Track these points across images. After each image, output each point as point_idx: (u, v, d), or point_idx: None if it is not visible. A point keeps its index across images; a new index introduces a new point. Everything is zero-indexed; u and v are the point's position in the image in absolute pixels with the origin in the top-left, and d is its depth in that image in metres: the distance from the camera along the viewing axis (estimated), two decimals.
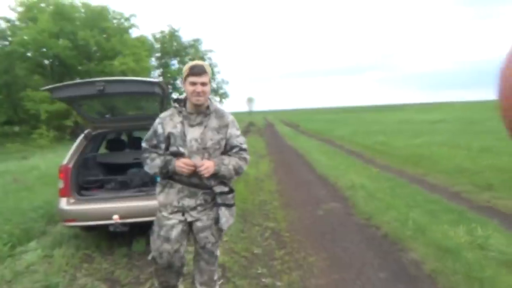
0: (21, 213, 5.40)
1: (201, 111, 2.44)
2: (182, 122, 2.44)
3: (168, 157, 2.40)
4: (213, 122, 2.46)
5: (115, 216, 4.11)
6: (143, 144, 2.56)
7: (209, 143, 2.40)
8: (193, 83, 2.35)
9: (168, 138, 2.43)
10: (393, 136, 14.98)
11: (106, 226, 4.25)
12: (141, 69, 28.50)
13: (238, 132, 2.53)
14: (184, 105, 2.49)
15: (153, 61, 42.55)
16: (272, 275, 3.60)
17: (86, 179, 4.85)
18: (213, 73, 30.15)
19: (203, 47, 46.16)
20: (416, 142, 12.27)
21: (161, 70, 44.34)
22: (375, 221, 4.76)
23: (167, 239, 2.46)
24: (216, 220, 2.44)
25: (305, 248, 4.19)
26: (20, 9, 29.26)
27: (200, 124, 2.44)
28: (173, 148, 2.42)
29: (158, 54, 44.40)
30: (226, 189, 2.45)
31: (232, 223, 2.55)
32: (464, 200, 5.72)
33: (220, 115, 2.50)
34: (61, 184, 4.36)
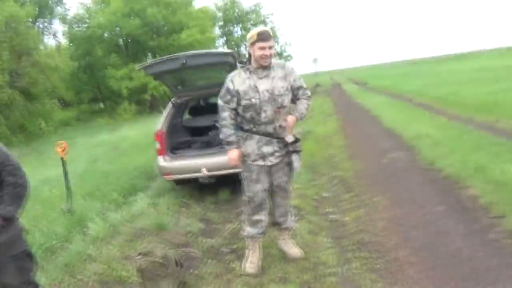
0: (126, 172, 6.51)
1: (265, 66, 2.88)
2: (249, 78, 2.88)
3: (231, 139, 2.94)
4: (279, 72, 2.92)
5: (204, 169, 4.91)
6: (219, 101, 2.99)
7: (281, 91, 2.88)
8: (262, 48, 2.75)
9: (238, 93, 2.87)
10: (466, 85, 14.30)
11: (196, 178, 5.09)
12: (207, 39, 29.40)
13: (298, 75, 3.03)
14: (250, 63, 2.93)
15: (217, 30, 43.38)
16: (340, 212, 4.15)
17: (176, 140, 5.70)
18: (275, 36, 30.04)
19: (264, 11, 45.92)
20: (490, 89, 11.69)
21: (224, 38, 45.12)
22: (438, 165, 5.05)
23: (258, 180, 3.01)
24: (288, 164, 3.02)
25: (371, 190, 4.64)
26: None
27: (267, 76, 2.88)
28: (245, 101, 2.86)
29: (221, 23, 45.07)
30: (294, 139, 2.99)
31: (301, 165, 3.10)
32: None
33: (281, 65, 2.98)
34: (158, 145, 5.25)
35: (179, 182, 5.51)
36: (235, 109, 2.95)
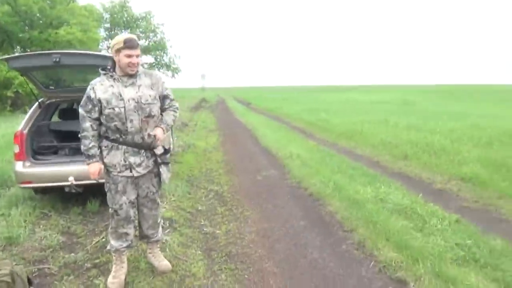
0: None
1: (131, 74, 2.77)
2: (113, 85, 2.74)
3: (92, 152, 2.77)
4: (145, 80, 2.82)
5: (71, 178, 4.51)
6: (80, 110, 2.80)
7: (148, 99, 2.78)
8: (129, 55, 2.65)
9: (100, 101, 2.72)
10: (334, 114, 16.07)
11: (62, 187, 4.64)
12: (89, 40, 27.46)
13: (166, 85, 2.97)
14: (114, 70, 2.79)
15: (102, 32, 40.90)
16: (213, 225, 4.24)
17: (40, 145, 5.15)
18: (165, 47, 29.44)
19: (155, 20, 44.90)
20: (355, 119, 13.36)
21: (110, 41, 42.76)
22: (304, 183, 5.56)
23: (124, 192, 2.89)
24: (157, 175, 2.97)
25: (242, 205, 4.86)
26: None
27: (133, 84, 2.77)
28: (108, 110, 2.71)
29: (107, 25, 42.69)
30: (163, 150, 2.97)
31: (170, 176, 3.08)
32: (381, 167, 6.72)
33: (149, 74, 2.88)
34: (16, 149, 4.67)
35: (39, 191, 4.97)
36: (97, 119, 2.79)
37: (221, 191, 5.48)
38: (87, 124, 2.76)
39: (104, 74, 2.79)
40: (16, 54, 4.60)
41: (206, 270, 3.19)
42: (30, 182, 4.62)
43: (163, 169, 2.95)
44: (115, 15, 42.49)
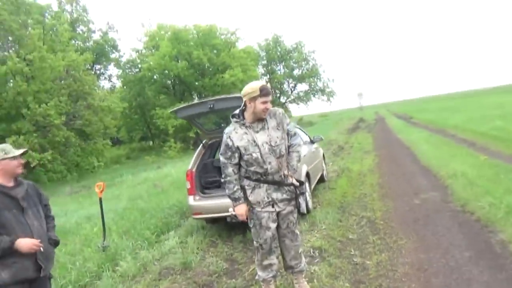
0: (161, 210, 6.80)
1: (262, 119, 2.99)
2: (246, 133, 2.98)
3: (237, 195, 3.01)
4: (271, 122, 3.02)
5: (231, 209, 5.03)
6: (221, 158, 3.07)
7: (277, 141, 2.98)
8: (265, 102, 2.89)
9: (238, 149, 2.97)
10: None
11: (224, 218, 5.23)
12: (249, 78, 30.40)
13: (288, 120, 3.12)
14: (243, 117, 3.04)
15: (260, 69, 44.73)
16: (363, 255, 4.08)
17: (206, 180, 5.92)
18: (318, 73, 30.42)
19: (305, 49, 46.80)
20: None
21: (268, 76, 46.34)
22: (470, 207, 4.85)
23: (268, 227, 3.07)
24: (296, 206, 3.12)
25: (396, 233, 4.54)
26: (145, 39, 33.99)
27: (263, 128, 2.99)
28: (246, 157, 2.95)
29: (264, 62, 46.52)
30: (298, 183, 3.11)
31: (305, 206, 3.23)
32: None
33: (273, 113, 3.04)
34: (188, 185, 5.50)
35: (208, 220, 5.68)
36: (237, 164, 3.05)
37: (374, 218, 5.25)
38: (230, 170, 3.06)
39: (236, 122, 3.06)
40: (181, 106, 5.49)
41: None
42: (200, 214, 5.36)
43: (301, 200, 3.11)
44: (270, 51, 45.98)
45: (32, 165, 16.81)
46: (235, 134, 3.02)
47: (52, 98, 17.98)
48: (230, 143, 3.01)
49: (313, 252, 4.25)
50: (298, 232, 3.27)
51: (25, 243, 2.40)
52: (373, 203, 5.99)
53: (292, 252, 3.22)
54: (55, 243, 2.77)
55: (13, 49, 19.11)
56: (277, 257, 3.28)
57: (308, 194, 5.88)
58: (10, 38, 18.88)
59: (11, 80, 18.37)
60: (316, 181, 7.13)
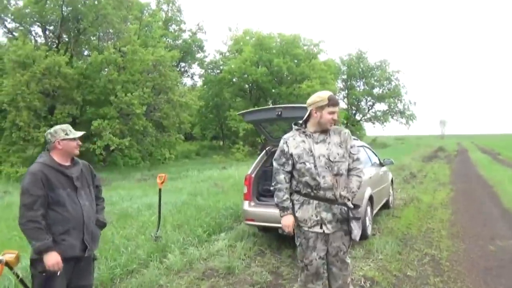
0: (217, 210, 6.83)
1: (325, 130, 2.84)
2: (304, 141, 2.83)
3: (286, 204, 2.84)
4: (335, 138, 2.85)
5: None
6: (274, 164, 2.95)
7: (336, 157, 2.79)
8: (332, 112, 2.76)
9: (292, 156, 2.83)
10: None
11: (276, 228, 5.08)
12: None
13: (353, 142, 2.92)
14: (305, 126, 2.92)
15: (339, 83, 43.87)
16: None
17: (264, 187, 5.83)
18: (399, 94, 29.08)
19: (390, 68, 44.99)
20: None
21: (346, 91, 45.31)
22: None
23: (314, 248, 2.86)
24: (347, 232, 2.85)
25: (463, 279, 4.05)
26: (230, 42, 35.19)
27: (323, 141, 2.83)
28: (299, 165, 2.80)
29: (344, 76, 45.58)
30: (354, 205, 2.83)
31: (360, 234, 2.89)
32: None
33: (338, 131, 2.89)
34: (245, 190, 5.45)
35: (260, 228, 5.58)
36: (290, 172, 2.89)
37: (439, 257, 4.75)
38: (281, 177, 2.90)
39: (297, 129, 2.93)
40: (249, 110, 5.46)
41: None
42: (252, 220, 5.28)
43: (354, 225, 2.82)
44: (352, 67, 44.92)
45: (111, 149, 18.11)
46: (292, 141, 2.89)
47: (137, 89, 19.21)
48: (286, 149, 2.89)
49: (364, 283, 3.93)
50: (349, 261, 3.00)
51: (51, 258, 2.41)
52: (441, 241, 5.44)
53: (340, 282, 2.98)
54: (102, 225, 2.85)
55: (112, 41, 20.83)
56: (323, 284, 3.05)
57: (368, 219, 5.52)
58: (111, 31, 20.60)
59: (106, 69, 20.01)
60: (380, 206, 6.71)
